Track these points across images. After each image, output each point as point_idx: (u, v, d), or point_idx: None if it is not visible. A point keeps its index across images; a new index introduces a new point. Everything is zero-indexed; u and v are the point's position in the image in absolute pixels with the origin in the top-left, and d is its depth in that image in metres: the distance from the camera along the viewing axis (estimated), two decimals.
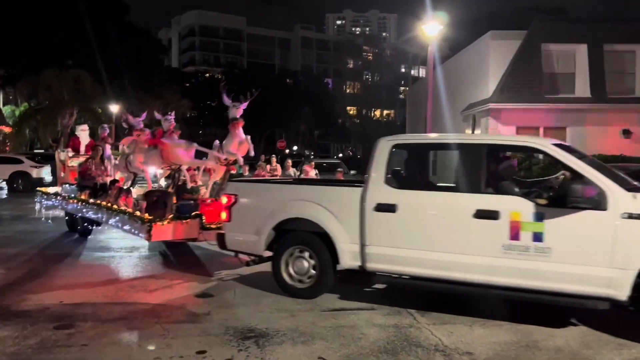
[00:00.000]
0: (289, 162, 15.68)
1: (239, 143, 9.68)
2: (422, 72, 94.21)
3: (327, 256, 6.60)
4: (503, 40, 21.80)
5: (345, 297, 6.93)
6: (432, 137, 9.72)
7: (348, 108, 78.12)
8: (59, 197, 11.58)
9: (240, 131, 9.75)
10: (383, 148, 6.54)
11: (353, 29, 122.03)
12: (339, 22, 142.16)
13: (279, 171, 15.31)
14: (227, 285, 7.58)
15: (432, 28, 16.17)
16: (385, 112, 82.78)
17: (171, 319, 6.02)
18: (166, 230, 8.19)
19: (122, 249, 10.31)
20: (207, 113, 67.54)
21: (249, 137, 9.83)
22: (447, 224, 5.95)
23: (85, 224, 11.04)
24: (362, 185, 6.58)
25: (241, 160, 10.06)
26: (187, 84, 65.77)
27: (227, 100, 9.81)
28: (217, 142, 10.60)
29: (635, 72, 21.70)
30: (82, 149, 13.51)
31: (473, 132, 16.18)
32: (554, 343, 5.35)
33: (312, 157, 40.76)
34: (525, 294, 5.65)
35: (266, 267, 7.31)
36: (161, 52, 55.36)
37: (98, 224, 10.71)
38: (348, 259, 6.44)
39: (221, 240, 7.38)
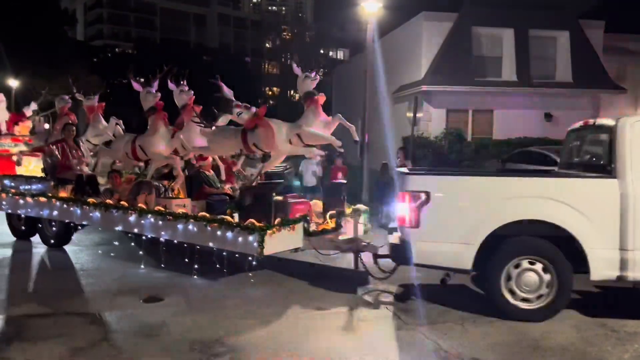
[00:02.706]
0: None
1: (324, 124, 7.03)
2: (340, 55, 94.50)
3: (567, 268, 5.42)
4: (436, 21, 21.70)
5: (316, 295, 6.24)
6: None
7: (267, 88, 76.58)
8: (18, 197, 8.73)
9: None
10: (636, 129, 5.41)
11: (269, 7, 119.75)
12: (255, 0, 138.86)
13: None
14: (174, 284, 6.61)
15: (371, 5, 15.57)
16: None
17: (118, 333, 5.02)
18: (278, 239, 6.26)
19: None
20: (119, 91, 63.42)
21: (339, 115, 7.26)
22: None
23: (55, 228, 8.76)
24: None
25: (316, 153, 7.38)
26: (95, 59, 61.26)
27: (297, 70, 7.35)
28: None
29: (556, 58, 22.46)
30: (2, 127, 11.14)
31: (415, 115, 15.88)
32: (555, 341, 4.96)
33: None
34: None
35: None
36: (66, 23, 50.90)
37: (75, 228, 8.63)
38: (603, 267, 5.31)
39: (402, 251, 5.64)
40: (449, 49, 21.36)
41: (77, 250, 8.59)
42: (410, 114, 16.13)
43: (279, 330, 5.11)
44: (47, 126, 12.15)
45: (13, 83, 32.44)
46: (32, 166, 10.18)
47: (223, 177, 8.61)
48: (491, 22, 21.77)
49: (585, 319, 5.57)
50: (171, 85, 8.12)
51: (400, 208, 5.62)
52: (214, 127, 7.61)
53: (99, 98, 9.74)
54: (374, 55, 19.45)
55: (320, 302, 6.01)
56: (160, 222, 6.90)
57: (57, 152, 8.62)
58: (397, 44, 24.21)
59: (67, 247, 8.75)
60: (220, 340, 4.80)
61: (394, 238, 6.05)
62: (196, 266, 6.94)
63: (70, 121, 9.62)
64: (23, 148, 10.57)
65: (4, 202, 9.04)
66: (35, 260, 7.98)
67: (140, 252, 7.92)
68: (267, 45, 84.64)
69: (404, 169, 6.31)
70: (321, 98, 7.12)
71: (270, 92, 76.40)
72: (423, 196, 5.46)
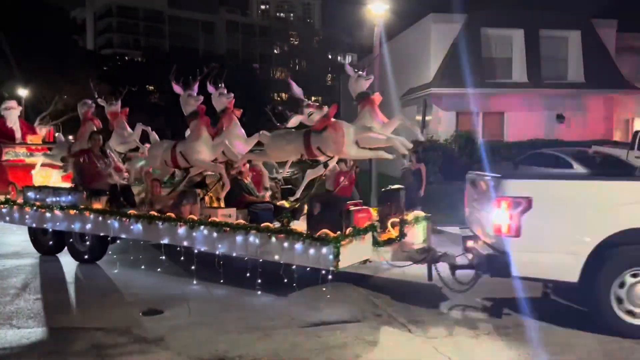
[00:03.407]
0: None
1: (381, 125, 6.56)
2: (348, 59, 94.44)
3: None
4: (444, 23, 21.42)
5: (319, 306, 5.97)
6: None
7: (276, 94, 76.68)
8: (58, 212, 7.99)
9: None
10: None
11: (278, 14, 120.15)
12: (263, 6, 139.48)
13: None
14: (178, 299, 6.36)
15: (378, 7, 15.34)
16: (313, 98, 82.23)
17: (115, 349, 4.79)
18: (352, 250, 5.77)
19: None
20: (128, 98, 63.74)
21: (400, 115, 6.81)
22: None
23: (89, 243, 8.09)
24: None
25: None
26: (105, 68, 61.60)
27: (350, 70, 6.91)
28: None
29: (567, 58, 22.07)
30: (17, 135, 10.42)
31: (424, 119, 15.61)
32: (576, 355, 4.65)
33: None
34: None
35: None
36: (75, 32, 51.34)
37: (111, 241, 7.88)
38: None
39: (500, 263, 5.10)
40: (457, 51, 21.04)
41: (77, 261, 8.37)
42: (419, 117, 15.84)
43: (279, 346, 4.85)
44: (65, 137, 11.15)
45: (22, 92, 32.59)
46: (54, 178, 9.60)
47: (266, 184, 8.25)
48: (500, 22, 21.47)
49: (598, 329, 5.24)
50: (210, 88, 7.64)
51: (497, 216, 5.10)
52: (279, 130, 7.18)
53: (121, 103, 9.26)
54: (382, 58, 19.22)
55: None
56: (215, 234, 6.43)
57: (85, 162, 8.10)
58: (405, 46, 23.94)
59: (65, 258, 8.52)
60: (219, 356, 4.56)
61: (478, 247, 5.58)
62: (259, 280, 6.36)
63: (95, 128, 9.11)
64: (41, 158, 9.88)
65: (27, 216, 8.38)
66: (28, 272, 7.77)
67: (142, 263, 7.69)
68: (275, 51, 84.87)
69: (495, 174, 5.63)
70: (377, 98, 6.69)
71: (278, 98, 76.38)
72: (524, 202, 4.97)
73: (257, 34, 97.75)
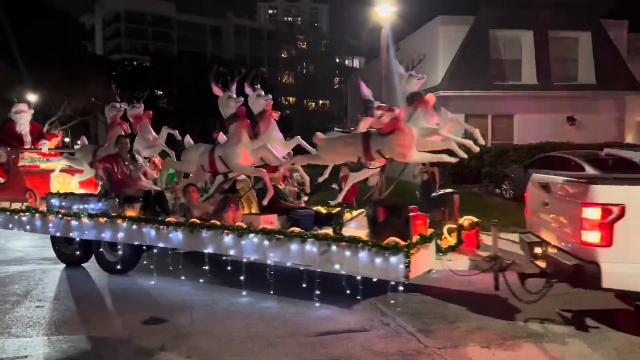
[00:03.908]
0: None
1: (437, 126, 6.29)
2: (355, 62, 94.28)
3: None
4: (452, 25, 21.23)
5: (326, 314, 5.80)
6: None
7: (283, 98, 76.65)
8: (86, 219, 7.57)
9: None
10: None
11: (285, 18, 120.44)
12: (270, 11, 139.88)
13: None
14: (181, 306, 6.22)
15: (385, 10, 15.23)
16: (320, 102, 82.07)
17: (115, 359, 4.65)
18: (420, 260, 5.48)
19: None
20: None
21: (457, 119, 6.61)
22: None
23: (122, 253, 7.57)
24: None
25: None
26: (114, 72, 61.90)
27: (401, 69, 6.51)
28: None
29: (577, 59, 21.78)
30: (28, 139, 10.00)
31: None
32: None
33: None
34: None
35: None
36: (84, 38, 51.65)
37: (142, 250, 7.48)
38: None
39: (589, 274, 4.69)
40: (466, 53, 20.85)
41: (81, 267, 8.26)
42: None
43: (284, 356, 4.69)
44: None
45: (31, 97, 32.72)
46: (74, 184, 9.25)
47: (307, 189, 7.87)
48: (509, 24, 21.23)
49: (630, 338, 5.03)
50: (247, 89, 7.33)
51: (584, 224, 4.71)
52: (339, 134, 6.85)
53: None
54: (390, 61, 19.08)
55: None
56: (267, 243, 6.11)
57: (114, 167, 7.74)
58: (413, 49, 23.73)
59: (70, 266, 8.44)
60: None
61: (557, 256, 5.12)
62: (317, 292, 6.01)
63: (123, 132, 8.70)
64: (61, 163, 9.46)
65: (50, 224, 7.93)
66: (30, 278, 7.66)
67: (152, 266, 7.56)
68: (283, 55, 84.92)
69: (579, 177, 5.35)
70: (431, 98, 6.37)
71: (286, 102, 76.39)
72: (616, 210, 4.57)
73: (264, 38, 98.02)
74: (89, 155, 9.01)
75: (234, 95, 7.27)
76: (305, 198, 8.11)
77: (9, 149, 9.66)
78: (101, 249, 7.73)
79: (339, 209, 7.63)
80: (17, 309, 6.12)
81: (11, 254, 9.35)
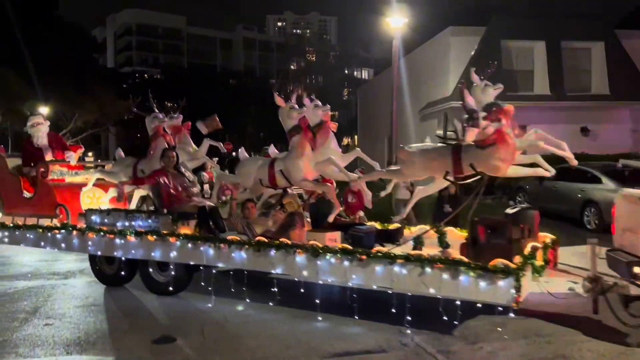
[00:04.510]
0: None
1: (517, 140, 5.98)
2: (364, 74, 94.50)
3: None
4: (463, 36, 21.13)
5: (341, 332, 5.60)
6: None
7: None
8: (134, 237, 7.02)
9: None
10: None
11: (294, 30, 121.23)
12: (279, 23, 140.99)
13: None
14: (193, 324, 6.05)
15: (396, 20, 15.13)
16: (329, 113, 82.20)
17: None
18: (527, 282, 5.11)
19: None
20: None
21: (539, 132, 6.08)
22: None
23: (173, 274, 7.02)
24: None
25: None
26: (124, 85, 62.46)
27: (476, 78, 6.15)
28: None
29: (591, 70, 21.57)
30: (49, 155, 9.29)
31: (445, 133, 15.18)
32: None
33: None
34: None
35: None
36: (95, 51, 52.12)
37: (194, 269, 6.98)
38: None
39: None
40: (477, 64, 20.61)
41: (92, 282, 8.12)
42: (440, 131, 15.46)
43: None
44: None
45: (43, 110, 32.95)
46: (106, 198, 8.72)
47: (368, 203, 7.23)
48: (521, 34, 21.10)
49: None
50: (305, 100, 7.01)
51: None
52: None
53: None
54: (400, 72, 18.98)
55: None
56: (347, 264, 5.65)
57: (165, 182, 7.24)
58: (424, 60, 23.67)
59: (78, 279, 8.31)
60: None
61: None
62: (409, 318, 5.55)
63: (166, 144, 8.06)
64: (95, 176, 8.83)
65: (90, 242, 7.42)
66: (39, 294, 7.53)
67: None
68: (292, 67, 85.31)
69: None
70: (510, 109, 5.93)
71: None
72: None
73: (274, 50, 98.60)
74: (129, 169, 8.43)
75: (297, 106, 6.89)
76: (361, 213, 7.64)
77: (32, 164, 9.09)
78: (150, 269, 7.23)
79: (398, 225, 7.21)
80: (25, 327, 5.98)
81: (20, 268, 9.24)
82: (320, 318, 5.98)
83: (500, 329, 5.52)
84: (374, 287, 5.63)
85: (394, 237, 6.93)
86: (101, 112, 39.71)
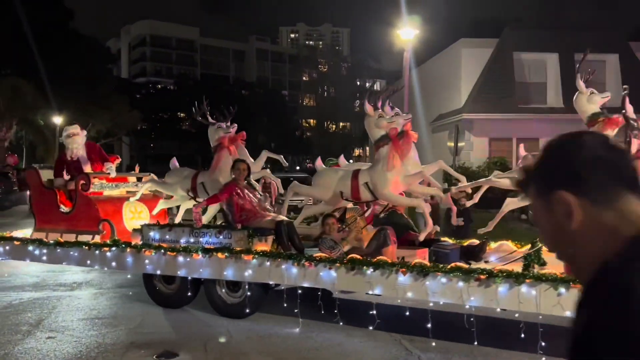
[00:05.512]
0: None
1: None
2: (376, 86, 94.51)
3: None
4: (475, 48, 21.03)
5: (347, 350, 5.47)
6: None
7: (304, 120, 77.14)
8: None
9: None
10: None
11: (307, 42, 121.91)
12: (292, 35, 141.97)
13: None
14: (196, 339, 5.96)
15: (407, 33, 15.09)
16: (341, 124, 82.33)
17: None
18: None
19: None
20: (159, 125, 65.35)
21: None
22: None
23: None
24: None
25: None
26: (138, 95, 63.15)
27: (582, 86, 5.87)
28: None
29: (605, 82, 21.29)
30: (87, 167, 8.60)
31: (456, 144, 15.08)
32: None
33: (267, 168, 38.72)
34: None
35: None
36: (109, 62, 52.75)
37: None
38: None
39: None
40: (489, 76, 20.59)
41: (97, 294, 8.09)
42: (451, 143, 15.33)
43: None
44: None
45: (57, 119, 33.35)
46: (145, 213, 8.24)
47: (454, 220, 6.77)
48: (533, 46, 20.96)
49: None
50: (386, 108, 6.58)
51: None
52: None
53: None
54: (411, 84, 18.92)
55: None
56: (462, 284, 5.07)
57: (240, 195, 6.67)
58: (435, 72, 23.60)
59: (84, 290, 8.27)
60: None
61: None
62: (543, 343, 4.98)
63: (231, 156, 7.44)
64: (145, 187, 8.25)
65: (147, 261, 6.84)
66: (44, 306, 7.49)
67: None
68: (304, 78, 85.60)
69: None
70: (618, 121, 5.61)
71: (306, 124, 76.81)
72: None
73: (286, 61, 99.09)
74: (187, 181, 7.74)
75: (386, 115, 6.44)
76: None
77: (68, 176, 8.50)
78: (222, 290, 6.70)
79: (483, 240, 6.72)
80: (27, 339, 5.93)
81: (27, 279, 9.22)
82: (322, 337, 5.86)
83: None
84: (498, 309, 5.22)
85: (476, 253, 6.39)
86: (114, 122, 40.26)
